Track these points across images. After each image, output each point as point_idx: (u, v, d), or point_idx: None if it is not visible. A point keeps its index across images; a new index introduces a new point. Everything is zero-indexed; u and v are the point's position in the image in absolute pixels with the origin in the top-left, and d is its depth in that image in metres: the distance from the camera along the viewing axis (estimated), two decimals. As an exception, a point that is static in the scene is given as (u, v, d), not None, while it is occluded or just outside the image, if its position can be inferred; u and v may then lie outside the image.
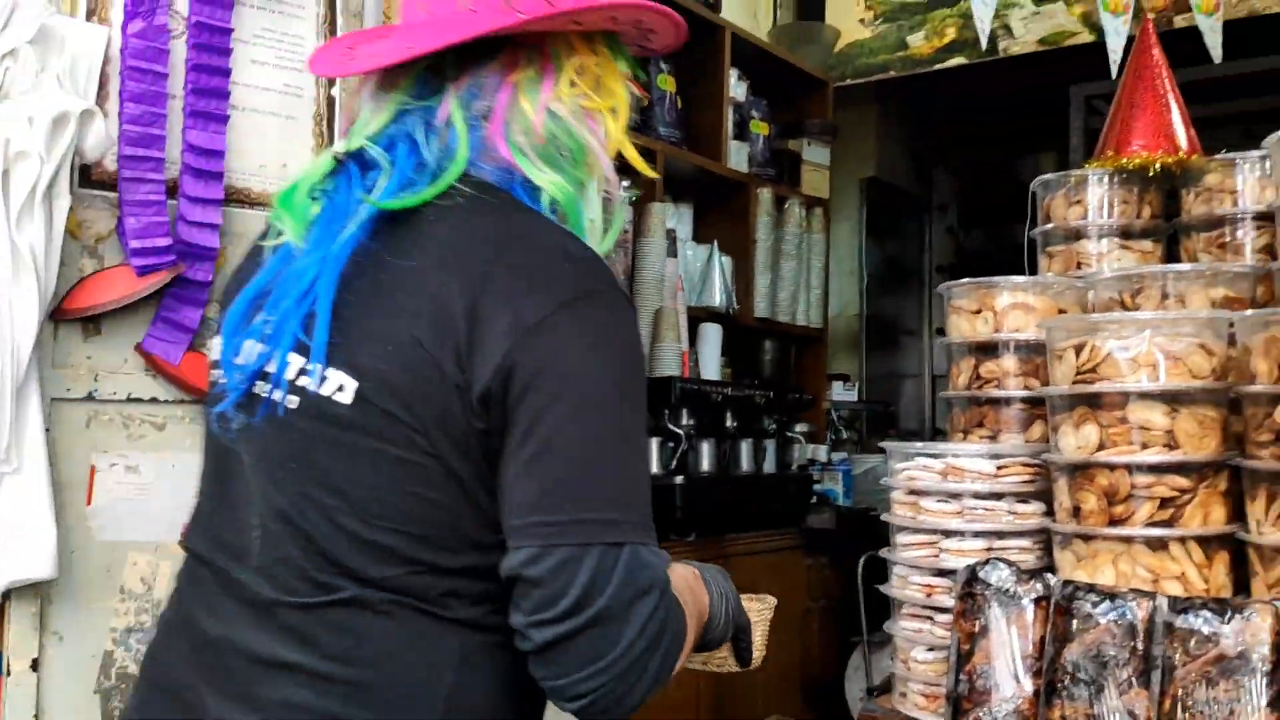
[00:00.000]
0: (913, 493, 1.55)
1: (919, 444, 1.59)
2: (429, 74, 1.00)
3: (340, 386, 0.92)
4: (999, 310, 1.71)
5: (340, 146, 1.03)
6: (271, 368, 0.95)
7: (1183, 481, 1.35)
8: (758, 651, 1.17)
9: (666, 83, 4.24)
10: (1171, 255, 1.90)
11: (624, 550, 0.90)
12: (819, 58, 5.19)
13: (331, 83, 1.68)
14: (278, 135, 1.61)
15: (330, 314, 0.92)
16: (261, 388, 0.96)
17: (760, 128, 4.80)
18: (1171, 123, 1.86)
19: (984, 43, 2.69)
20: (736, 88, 4.65)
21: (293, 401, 0.94)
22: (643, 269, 3.91)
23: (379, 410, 0.91)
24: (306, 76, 1.64)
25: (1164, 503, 1.35)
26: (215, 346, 1.03)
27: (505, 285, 0.91)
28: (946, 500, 1.51)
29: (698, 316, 4.35)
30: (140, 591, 1.45)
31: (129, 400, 1.46)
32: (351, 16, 1.71)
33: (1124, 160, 1.85)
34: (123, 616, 1.44)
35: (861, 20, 5.27)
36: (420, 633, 0.93)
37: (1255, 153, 1.73)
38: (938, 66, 5.05)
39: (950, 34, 5.10)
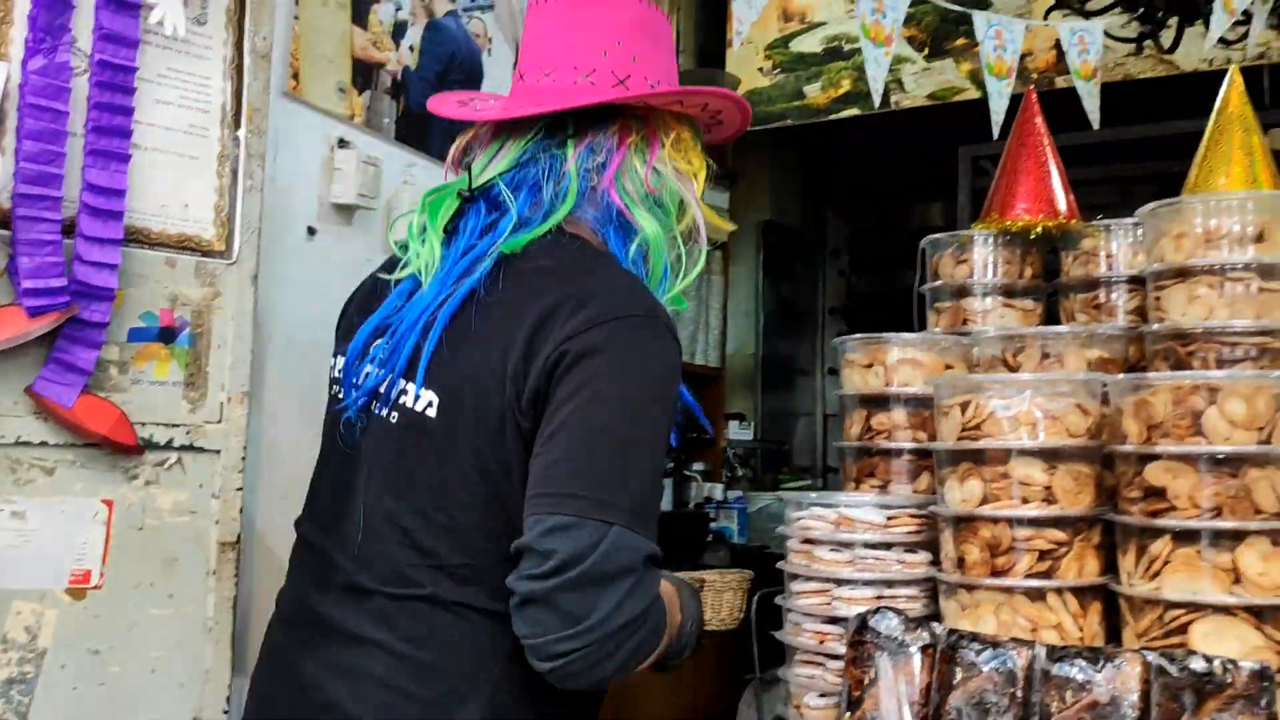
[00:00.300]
0: (807, 541, 1.59)
1: (813, 494, 1.63)
2: (549, 130, 1.21)
3: (430, 403, 1.12)
4: (889, 365, 1.78)
5: (459, 181, 1.24)
6: (384, 388, 1.16)
7: (1060, 535, 1.42)
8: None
9: (570, 123, 4.28)
10: (1051, 313, 2.01)
11: (613, 529, 1.01)
12: (720, 103, 5.28)
13: (236, 124, 1.67)
14: (180, 175, 1.59)
15: (435, 346, 1.12)
16: (375, 405, 1.17)
17: (662, 170, 4.86)
18: (1052, 188, 1.96)
19: (876, 101, 2.80)
20: (639, 130, 4.71)
21: (395, 417, 1.15)
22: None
23: (453, 421, 1.10)
24: (211, 117, 1.63)
25: (1042, 555, 1.42)
26: (337, 365, 1.25)
27: (561, 309, 1.08)
28: (839, 549, 1.56)
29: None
30: (23, 641, 1.40)
31: (17, 444, 1.42)
32: (260, 58, 1.71)
33: (1008, 223, 1.94)
34: (4, 668, 1.39)
35: (760, 69, 5.41)
36: (478, 628, 1.10)
37: (1128, 220, 1.84)
38: (832, 117, 5.21)
39: (845, 85, 5.27)
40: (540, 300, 1.09)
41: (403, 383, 1.14)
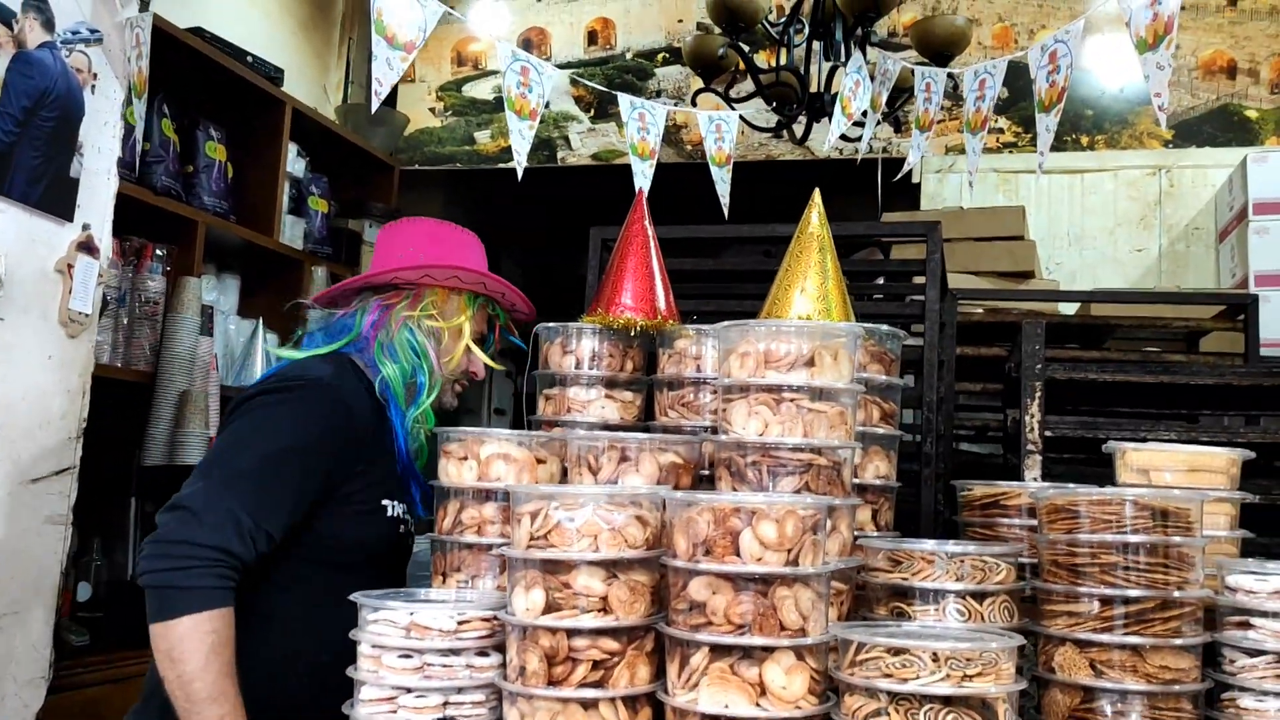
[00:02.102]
0: (377, 647, 1.56)
1: (392, 598, 1.60)
2: (354, 297, 2.03)
3: None
4: (483, 459, 1.79)
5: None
6: None
7: (613, 644, 1.47)
8: None
9: (216, 151, 4.07)
10: (651, 405, 2.10)
11: (203, 485, 1.70)
12: (387, 140, 5.21)
13: None
14: None
15: None
16: None
17: (319, 205, 4.72)
18: (654, 289, 2.06)
19: (519, 171, 2.82)
20: (295, 163, 4.55)
21: None
22: (171, 346, 3.68)
23: None
24: None
25: (596, 664, 1.47)
26: None
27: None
28: (408, 656, 1.54)
29: (235, 398, 4.13)
30: None
31: None
32: None
33: (610, 319, 2.02)
34: None
35: (432, 110, 5.38)
36: None
37: (716, 326, 1.95)
38: (501, 165, 5.27)
39: (514, 136, 5.34)
40: None
41: None
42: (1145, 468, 1.78)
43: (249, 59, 4.11)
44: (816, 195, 2.07)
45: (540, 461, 1.83)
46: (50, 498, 2.19)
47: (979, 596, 1.60)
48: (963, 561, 1.62)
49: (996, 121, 4.74)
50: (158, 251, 3.67)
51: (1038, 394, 2.50)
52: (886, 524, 1.94)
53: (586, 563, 1.48)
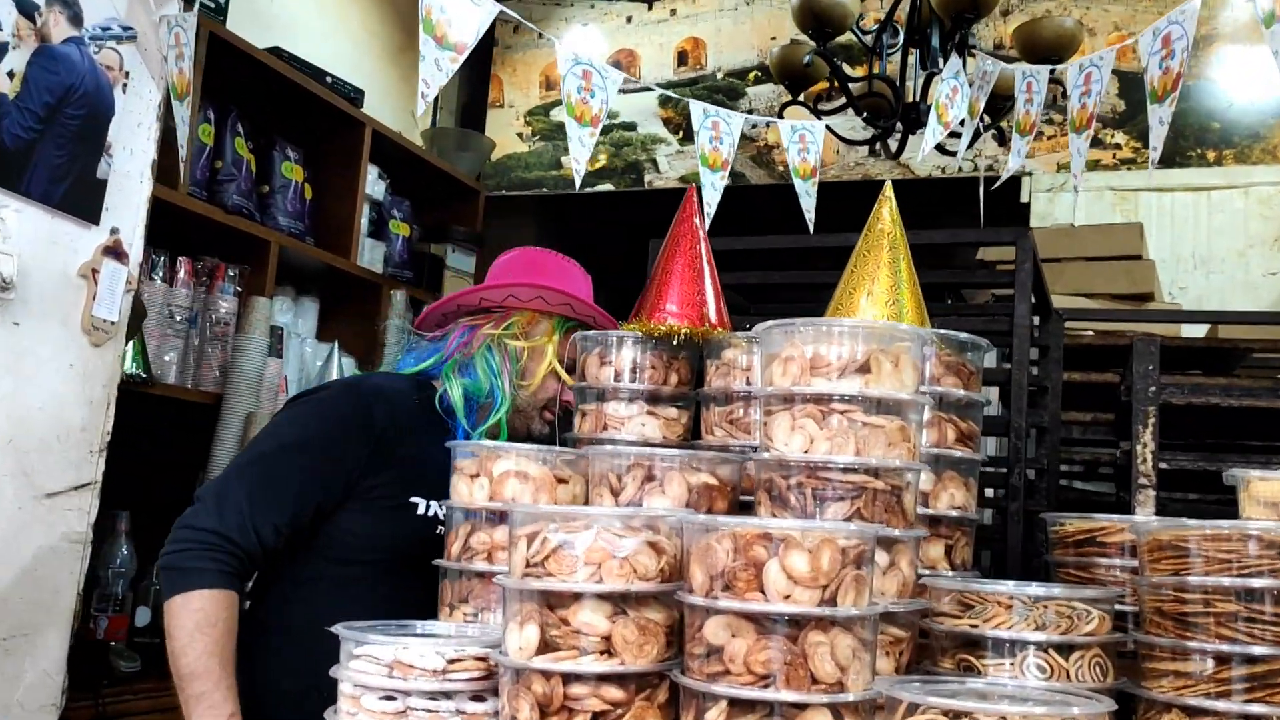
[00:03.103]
0: (359, 686, 1.38)
1: (379, 630, 1.42)
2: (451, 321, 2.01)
3: None
4: (496, 476, 1.60)
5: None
6: None
7: (617, 693, 1.25)
8: None
9: (293, 171, 4.01)
10: (696, 424, 1.88)
11: (218, 478, 1.78)
12: (473, 165, 5.13)
13: None
14: None
15: None
16: None
17: (400, 228, 4.64)
18: (702, 294, 1.85)
19: (578, 181, 2.64)
20: (375, 185, 4.48)
21: None
22: (238, 367, 3.60)
23: None
24: None
25: (597, 716, 1.25)
26: None
27: None
28: (391, 698, 1.35)
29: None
30: None
31: None
32: None
33: (651, 326, 1.82)
34: None
35: (520, 135, 5.29)
36: None
37: (757, 328, 1.73)
38: (587, 190, 5.13)
39: (601, 160, 5.20)
40: None
41: None
42: (1274, 500, 1.48)
43: (328, 79, 4.06)
44: (888, 188, 1.85)
45: (561, 481, 1.63)
46: (68, 514, 2.08)
47: (1065, 650, 1.33)
48: (1046, 607, 1.36)
49: (1113, 137, 4.40)
50: (230, 272, 3.61)
51: (1151, 421, 2.19)
52: (964, 562, 1.68)
53: (589, 595, 1.27)
